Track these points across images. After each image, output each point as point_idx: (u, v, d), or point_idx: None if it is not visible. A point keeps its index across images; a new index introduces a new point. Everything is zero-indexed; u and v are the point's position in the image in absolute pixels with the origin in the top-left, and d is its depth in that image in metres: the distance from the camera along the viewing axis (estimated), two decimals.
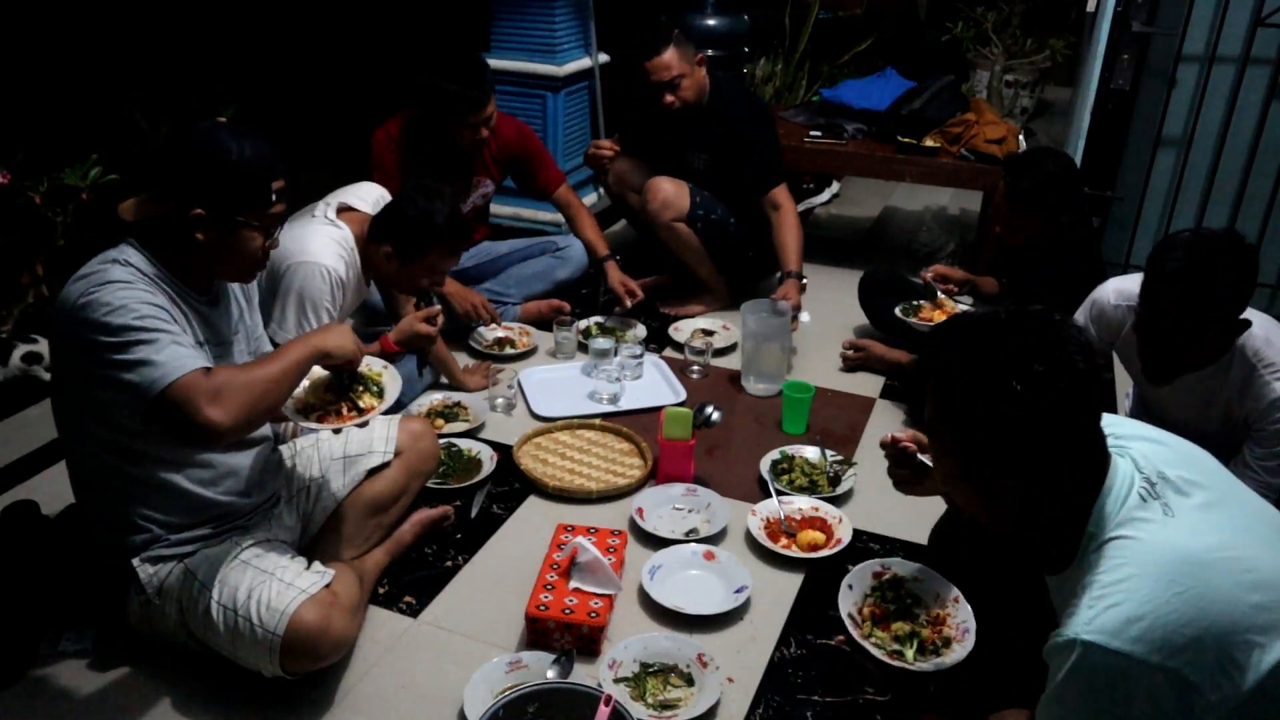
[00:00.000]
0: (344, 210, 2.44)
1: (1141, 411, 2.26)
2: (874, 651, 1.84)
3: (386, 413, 1.96)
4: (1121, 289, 2.20)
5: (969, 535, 1.81)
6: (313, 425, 1.82)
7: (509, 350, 3.12)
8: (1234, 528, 1.20)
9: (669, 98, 3.08)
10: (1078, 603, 1.16)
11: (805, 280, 3.14)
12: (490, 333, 3.16)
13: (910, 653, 1.84)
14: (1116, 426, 1.32)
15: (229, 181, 1.64)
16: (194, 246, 1.67)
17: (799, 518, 2.32)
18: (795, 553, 2.19)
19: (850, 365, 3.10)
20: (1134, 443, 1.28)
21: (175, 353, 1.57)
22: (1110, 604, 1.12)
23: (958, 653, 1.83)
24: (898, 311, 2.90)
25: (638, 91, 3.14)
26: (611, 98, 4.39)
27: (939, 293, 2.89)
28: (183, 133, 1.69)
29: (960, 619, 1.90)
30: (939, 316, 2.83)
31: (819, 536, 2.23)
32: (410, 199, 2.38)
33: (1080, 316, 2.26)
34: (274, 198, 1.71)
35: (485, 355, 3.10)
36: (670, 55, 3.02)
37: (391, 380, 1.93)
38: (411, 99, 3.07)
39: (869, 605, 1.96)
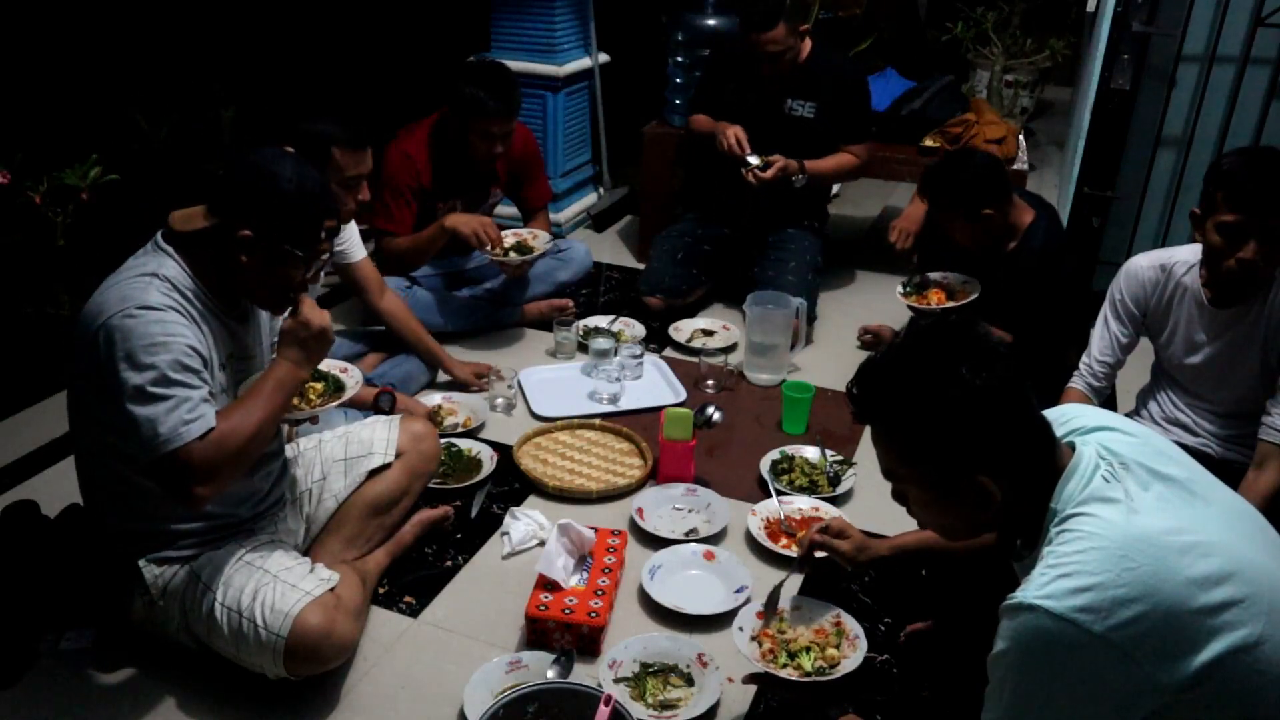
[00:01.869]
0: None
1: (1165, 379, 2.27)
2: (786, 675, 1.71)
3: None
4: (1150, 256, 2.24)
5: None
6: None
7: (520, 255, 3.11)
8: (1195, 514, 1.21)
9: (767, 69, 3.19)
10: (1034, 572, 1.19)
11: (798, 178, 3.22)
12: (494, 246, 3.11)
13: (808, 660, 1.75)
14: (1083, 418, 1.36)
15: (284, 209, 1.64)
16: (236, 267, 1.66)
17: (799, 518, 2.32)
18: (795, 553, 2.19)
19: (866, 348, 3.24)
20: (1100, 433, 1.32)
21: (181, 416, 1.56)
22: (1062, 573, 1.15)
23: (851, 659, 1.76)
24: (898, 291, 2.90)
25: (733, 54, 3.31)
26: (611, 97, 4.40)
27: (932, 277, 2.92)
28: (248, 156, 1.69)
29: (851, 631, 1.82)
30: (938, 298, 2.84)
31: None
32: (294, 117, 2.30)
33: (1112, 290, 2.28)
34: (323, 235, 1.71)
35: (499, 262, 3.11)
36: (780, 31, 3.09)
37: (350, 381, 1.98)
38: (434, 104, 3.10)
39: (768, 638, 1.82)
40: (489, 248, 3.05)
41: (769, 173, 3.14)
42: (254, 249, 1.65)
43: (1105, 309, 2.29)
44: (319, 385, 1.95)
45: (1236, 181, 1.91)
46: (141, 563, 1.75)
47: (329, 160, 2.31)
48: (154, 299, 1.59)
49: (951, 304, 2.80)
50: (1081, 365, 2.33)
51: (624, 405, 2.84)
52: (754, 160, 3.15)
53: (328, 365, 2.01)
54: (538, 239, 3.19)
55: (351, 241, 2.69)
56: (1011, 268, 2.69)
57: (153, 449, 1.55)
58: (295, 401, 1.90)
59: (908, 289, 2.92)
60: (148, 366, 1.55)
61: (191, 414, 1.57)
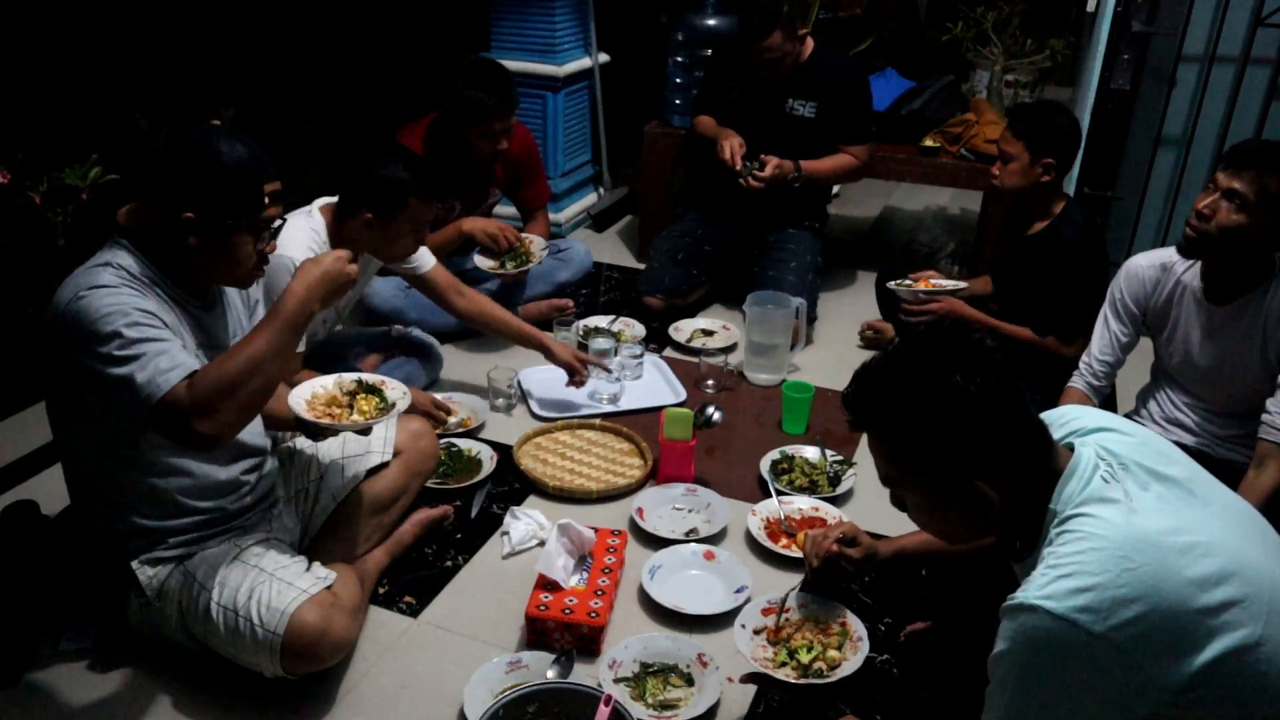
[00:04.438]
0: (323, 207, 2.43)
1: (1165, 379, 2.27)
2: (784, 675, 1.72)
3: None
4: (1150, 255, 2.26)
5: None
6: (311, 420, 1.79)
7: (518, 264, 3.18)
8: (1195, 515, 1.22)
9: (766, 72, 3.20)
10: (1034, 572, 1.19)
11: (797, 176, 3.22)
12: (486, 261, 3.20)
13: (806, 657, 1.76)
14: (1082, 419, 1.36)
15: (218, 184, 1.63)
16: (187, 251, 1.66)
17: (799, 518, 2.32)
18: (795, 553, 2.19)
19: (868, 344, 3.28)
20: (1099, 433, 1.32)
21: (158, 366, 1.55)
22: (1062, 574, 1.15)
23: (851, 661, 1.76)
24: (891, 284, 2.93)
25: (733, 54, 3.32)
26: (611, 97, 4.40)
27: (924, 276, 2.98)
28: (175, 136, 1.68)
29: (855, 633, 1.83)
30: (926, 284, 2.90)
31: None
32: (369, 162, 2.33)
33: (1113, 290, 2.30)
34: (266, 201, 1.69)
35: (497, 275, 3.18)
36: (776, 38, 3.10)
37: (399, 394, 1.91)
38: (431, 106, 3.10)
39: (772, 629, 1.86)
40: (493, 262, 3.14)
41: (765, 172, 3.15)
42: (199, 230, 1.64)
43: (1105, 308, 2.30)
44: (374, 399, 1.89)
45: (1234, 149, 1.99)
46: (134, 564, 1.75)
47: (405, 207, 2.35)
48: (105, 279, 1.59)
49: (932, 287, 2.86)
50: (1081, 364, 2.34)
51: (624, 405, 2.84)
52: (748, 166, 3.16)
53: (375, 379, 1.94)
54: (534, 244, 3.23)
55: (421, 254, 2.67)
56: (1040, 249, 2.69)
57: (141, 403, 1.53)
58: (343, 414, 1.84)
59: (900, 283, 2.96)
60: (108, 335, 1.54)
61: (169, 363, 1.56)
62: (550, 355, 2.77)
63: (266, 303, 2.25)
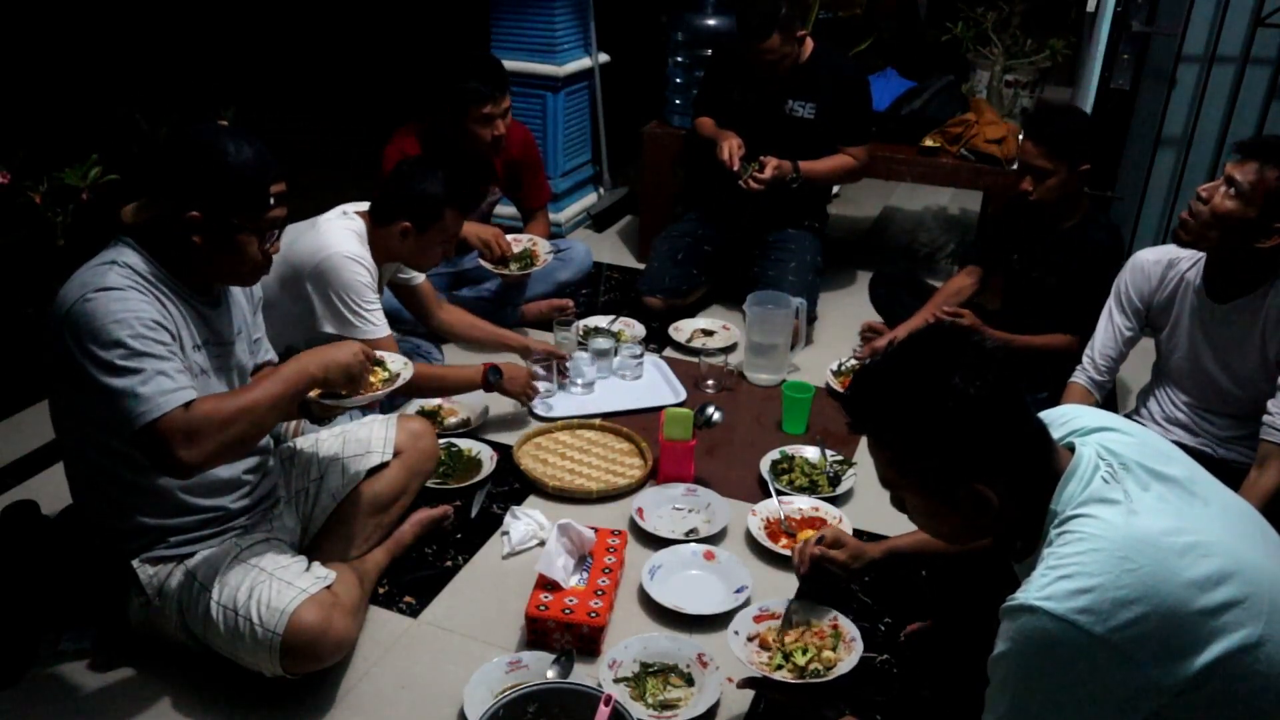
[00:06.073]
0: (360, 212, 2.48)
1: (1165, 379, 2.27)
2: (780, 677, 1.72)
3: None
4: (1157, 250, 2.28)
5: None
6: (330, 403, 1.83)
7: (523, 267, 3.20)
8: (1195, 515, 1.22)
9: (765, 73, 3.20)
10: (1035, 573, 1.19)
11: (795, 177, 3.22)
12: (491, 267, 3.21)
13: (802, 659, 1.76)
14: (1082, 418, 1.36)
15: (225, 184, 1.63)
16: (192, 249, 1.66)
17: (799, 518, 2.32)
18: (793, 555, 2.19)
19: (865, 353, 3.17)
20: (1100, 433, 1.32)
21: (159, 385, 1.54)
22: (1063, 574, 1.15)
23: (846, 661, 1.76)
24: (830, 369, 3.02)
25: (733, 55, 3.31)
26: (611, 97, 4.40)
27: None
28: (181, 135, 1.69)
29: (848, 634, 1.82)
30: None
31: None
32: (409, 174, 2.41)
33: (1118, 284, 2.31)
34: (271, 201, 1.70)
35: (501, 275, 3.20)
36: (775, 40, 3.10)
37: (400, 365, 1.98)
38: (425, 108, 3.09)
39: (766, 635, 1.85)
40: (495, 262, 3.13)
41: (765, 173, 3.15)
42: (204, 229, 1.65)
43: (1110, 302, 2.31)
44: (379, 370, 1.94)
45: (1246, 141, 2.01)
46: (135, 563, 1.75)
47: (440, 219, 2.44)
48: (111, 281, 1.59)
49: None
50: (1084, 359, 2.34)
51: (624, 405, 2.83)
52: (746, 167, 3.17)
53: (375, 353, 2.01)
54: (539, 245, 3.23)
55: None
56: (1067, 250, 2.67)
57: (134, 420, 1.53)
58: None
59: (839, 370, 3.02)
60: (112, 343, 1.54)
61: (171, 385, 1.56)
62: (530, 354, 2.85)
63: (322, 302, 2.31)
